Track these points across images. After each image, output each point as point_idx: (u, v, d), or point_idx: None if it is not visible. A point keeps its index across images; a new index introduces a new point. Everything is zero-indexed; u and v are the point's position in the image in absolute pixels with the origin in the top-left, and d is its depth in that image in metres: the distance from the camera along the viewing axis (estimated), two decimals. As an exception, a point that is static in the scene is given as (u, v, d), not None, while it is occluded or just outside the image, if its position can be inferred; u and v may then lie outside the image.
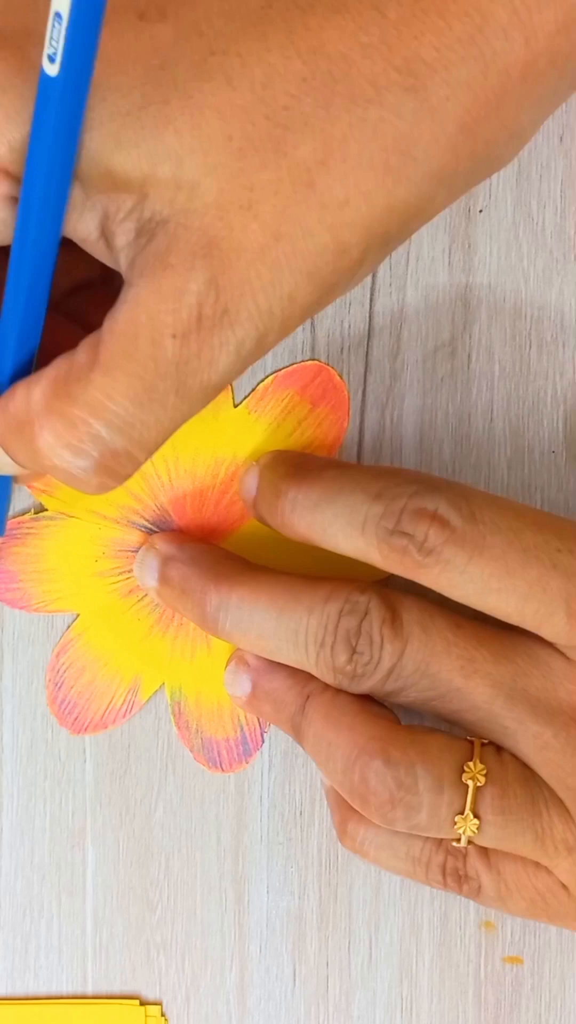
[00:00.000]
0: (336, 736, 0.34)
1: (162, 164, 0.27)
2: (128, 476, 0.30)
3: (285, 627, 0.34)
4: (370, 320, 0.37)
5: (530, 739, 0.33)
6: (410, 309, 0.37)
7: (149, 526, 0.38)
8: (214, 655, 0.38)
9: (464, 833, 0.33)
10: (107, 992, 0.39)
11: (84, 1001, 0.39)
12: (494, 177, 0.37)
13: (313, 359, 0.37)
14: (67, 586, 0.38)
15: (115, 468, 0.30)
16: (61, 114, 0.26)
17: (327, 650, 0.34)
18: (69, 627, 0.38)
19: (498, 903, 0.35)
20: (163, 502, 0.37)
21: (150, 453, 0.30)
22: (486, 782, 0.33)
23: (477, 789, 0.33)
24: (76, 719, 0.39)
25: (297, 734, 0.35)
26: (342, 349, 0.37)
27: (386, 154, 0.28)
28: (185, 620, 0.38)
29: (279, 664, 0.35)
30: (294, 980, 0.39)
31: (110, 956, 0.39)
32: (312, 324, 0.37)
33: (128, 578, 0.38)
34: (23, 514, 0.37)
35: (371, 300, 0.37)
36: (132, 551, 0.38)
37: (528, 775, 0.33)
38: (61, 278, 0.33)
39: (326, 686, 0.35)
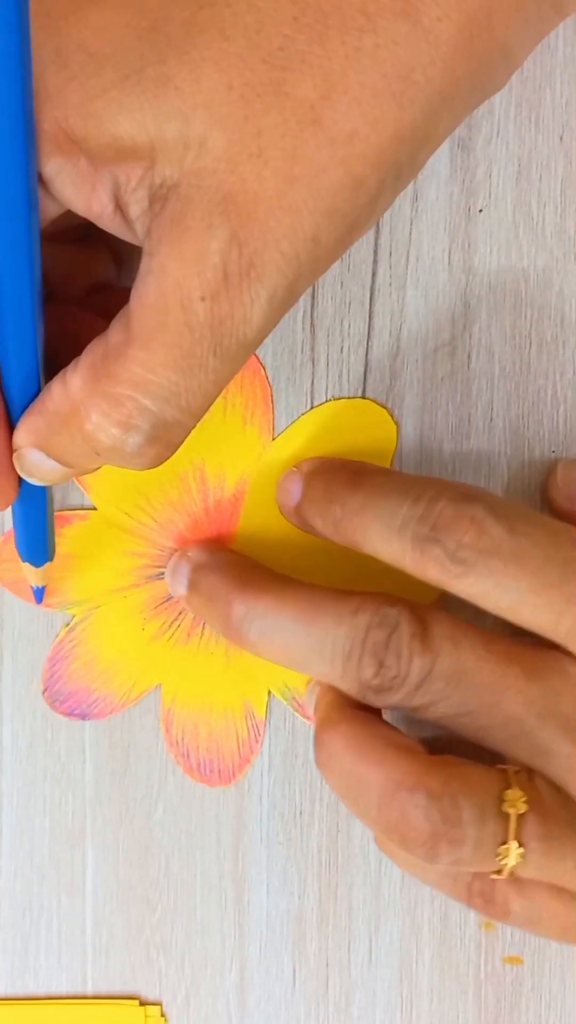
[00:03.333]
0: (366, 771, 0.32)
1: (167, 123, 0.27)
2: (179, 444, 0.30)
3: (313, 638, 0.33)
4: (370, 320, 0.37)
5: (563, 759, 0.32)
6: (410, 309, 0.37)
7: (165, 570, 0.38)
8: None
9: (508, 864, 0.32)
10: (107, 992, 0.39)
11: (84, 1001, 0.39)
12: (494, 176, 0.37)
13: None
14: (134, 668, 0.38)
15: (167, 438, 0.30)
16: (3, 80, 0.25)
17: (354, 663, 0.33)
18: (160, 701, 0.38)
19: (528, 927, 0.34)
20: (164, 544, 0.37)
21: (198, 418, 0.30)
22: (527, 809, 0.32)
23: (520, 817, 0.31)
24: (219, 773, 0.38)
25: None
26: (342, 349, 0.37)
27: (387, 81, 0.28)
28: None
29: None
30: (294, 980, 0.39)
31: (110, 956, 0.39)
32: (312, 323, 0.37)
33: (179, 626, 0.38)
34: (57, 639, 0.38)
35: (371, 300, 0.37)
36: (166, 601, 0.38)
37: (563, 798, 0.32)
38: (80, 277, 0.33)
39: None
